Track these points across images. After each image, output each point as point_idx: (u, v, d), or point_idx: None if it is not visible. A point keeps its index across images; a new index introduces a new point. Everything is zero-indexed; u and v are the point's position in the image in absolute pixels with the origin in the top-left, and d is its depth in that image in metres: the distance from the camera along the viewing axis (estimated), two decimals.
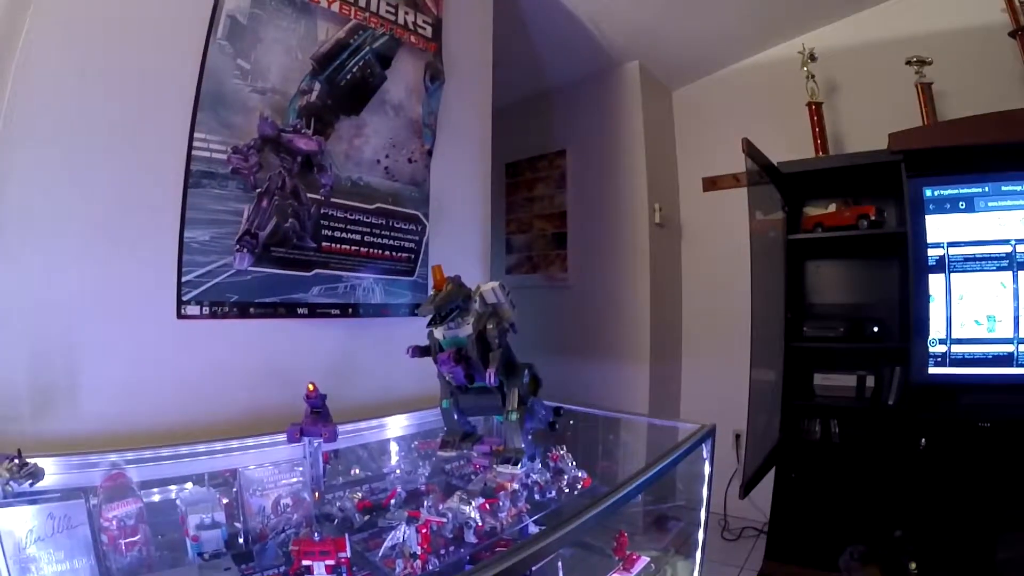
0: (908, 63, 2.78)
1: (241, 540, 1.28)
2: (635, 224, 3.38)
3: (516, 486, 1.37)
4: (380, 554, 1.18)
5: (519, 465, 1.29)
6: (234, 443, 1.37)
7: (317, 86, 1.64)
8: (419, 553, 1.17)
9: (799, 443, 2.88)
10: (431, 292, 1.23)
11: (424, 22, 1.98)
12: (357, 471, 1.63)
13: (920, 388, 2.58)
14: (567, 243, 3.70)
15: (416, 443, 1.76)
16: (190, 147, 1.42)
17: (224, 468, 1.36)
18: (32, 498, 1.04)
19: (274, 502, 1.36)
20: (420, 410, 1.76)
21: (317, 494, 1.44)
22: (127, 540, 1.15)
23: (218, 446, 1.36)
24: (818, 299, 3.11)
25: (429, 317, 1.22)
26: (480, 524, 1.27)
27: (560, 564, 1.49)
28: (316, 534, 1.24)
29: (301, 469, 1.43)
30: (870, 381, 2.84)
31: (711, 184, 3.57)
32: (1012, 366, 2.52)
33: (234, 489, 1.34)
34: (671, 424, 1.87)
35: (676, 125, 3.75)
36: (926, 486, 2.52)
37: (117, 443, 1.27)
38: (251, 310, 1.52)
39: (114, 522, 1.14)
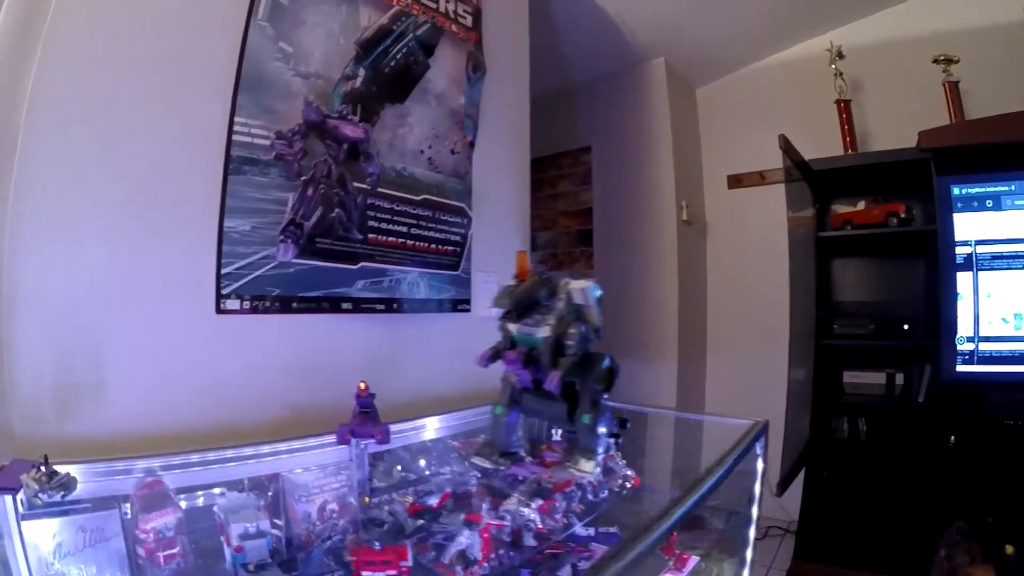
0: (935, 61, 2.59)
1: (283, 547, 1.11)
2: (662, 221, 3.18)
3: (572, 487, 1.22)
4: (447, 561, 1.04)
5: (592, 466, 1.10)
6: (281, 446, 1.19)
7: (361, 72, 1.45)
8: (479, 559, 1.05)
9: (827, 441, 2.68)
10: (511, 282, 1.01)
11: (464, 11, 1.78)
12: (399, 472, 1.44)
13: (949, 386, 2.42)
14: (592, 240, 3.49)
15: (457, 443, 1.57)
16: (230, 131, 1.23)
17: (266, 472, 1.17)
18: (60, 509, 0.87)
19: (319, 507, 1.18)
20: (459, 410, 1.59)
21: (367, 499, 1.25)
22: (165, 553, 0.97)
23: (262, 449, 1.17)
24: (845, 297, 2.90)
25: (503, 310, 1.00)
26: (539, 526, 1.14)
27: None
28: (377, 543, 1.05)
29: (347, 472, 1.25)
30: (899, 379, 2.66)
31: (736, 182, 3.37)
32: None
33: (269, 493, 1.17)
34: (717, 420, 1.74)
35: (699, 122, 3.54)
36: (955, 484, 2.34)
37: (149, 446, 1.09)
38: (293, 305, 1.33)
39: (152, 534, 0.96)
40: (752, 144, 3.27)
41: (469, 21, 1.80)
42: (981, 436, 2.33)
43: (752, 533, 1.63)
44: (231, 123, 1.23)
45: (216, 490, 1.13)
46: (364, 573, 0.96)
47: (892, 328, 2.63)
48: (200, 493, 1.10)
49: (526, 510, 1.17)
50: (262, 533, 1.10)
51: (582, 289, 1.02)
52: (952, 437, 2.35)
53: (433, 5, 1.67)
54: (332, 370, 1.41)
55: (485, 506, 1.16)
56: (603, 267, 3.43)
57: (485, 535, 1.08)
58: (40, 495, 0.83)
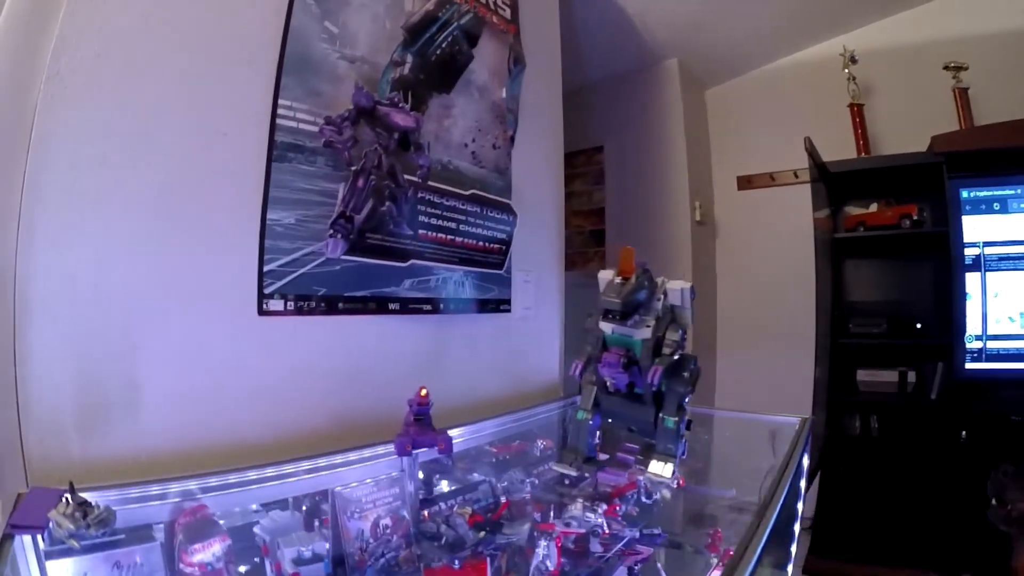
0: (946, 68, 2.56)
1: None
2: (676, 222, 3.09)
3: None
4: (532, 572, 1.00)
5: (671, 469, 0.99)
6: (323, 460, 1.06)
7: (409, 58, 1.32)
8: (552, 568, 1.01)
9: (841, 439, 2.63)
10: (614, 279, 0.89)
11: (504, 3, 1.66)
12: (445, 483, 1.32)
13: (961, 383, 2.41)
14: (605, 240, 3.38)
15: (495, 448, 1.46)
16: (274, 115, 1.09)
17: (315, 489, 1.05)
18: (90, 543, 0.73)
19: (373, 523, 1.07)
20: (502, 415, 1.48)
21: (427, 513, 1.16)
22: None
23: (308, 464, 1.04)
24: (858, 297, 2.86)
25: (605, 309, 0.88)
26: (606, 531, 1.12)
27: (660, 565, 1.27)
28: (456, 561, 0.99)
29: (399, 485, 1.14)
30: (911, 376, 2.64)
31: (746, 183, 3.29)
32: None
33: (312, 510, 1.05)
34: (757, 417, 1.68)
35: (709, 123, 3.46)
36: (966, 479, 2.30)
37: (185, 465, 0.95)
38: (339, 305, 1.20)
39: (198, 568, 0.82)
40: (762, 146, 3.22)
41: (508, 13, 1.67)
42: (991, 431, 2.32)
43: (797, 528, 1.58)
44: (275, 106, 1.09)
45: (252, 506, 1.00)
46: None
47: (904, 327, 2.59)
48: (236, 509, 0.97)
49: (592, 515, 1.14)
50: (318, 557, 0.99)
51: (680, 290, 0.93)
52: (963, 433, 2.34)
53: None
54: (379, 375, 1.28)
55: (554, 514, 1.13)
56: (638, 263, 3.33)
57: (558, 544, 1.04)
58: (75, 537, 0.68)
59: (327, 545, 0.99)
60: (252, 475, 0.96)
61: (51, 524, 0.68)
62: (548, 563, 1.01)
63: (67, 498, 0.69)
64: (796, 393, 2.46)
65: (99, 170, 0.89)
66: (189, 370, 1.01)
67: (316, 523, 1.01)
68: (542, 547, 1.00)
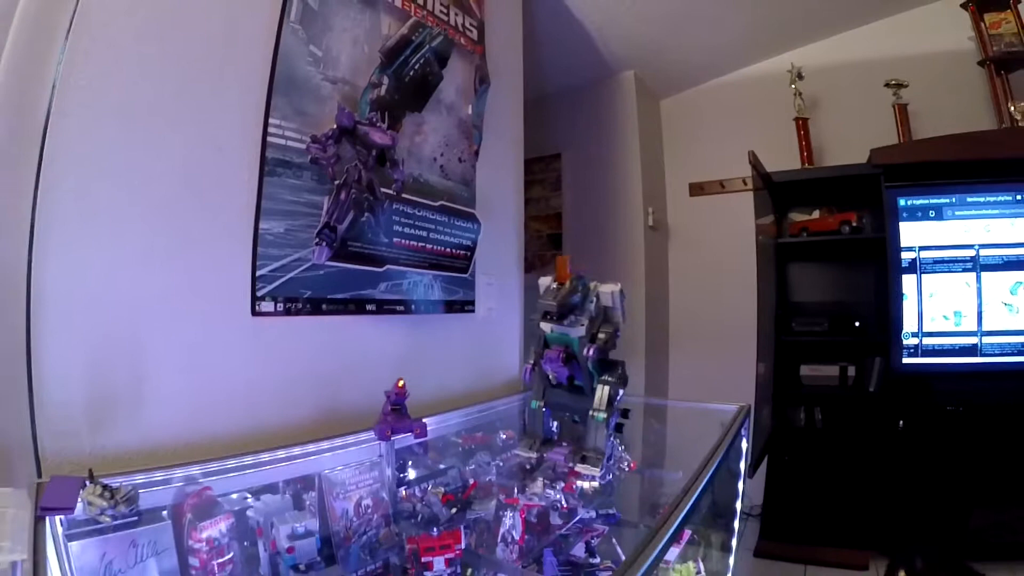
0: (887, 85, 2.78)
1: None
2: (630, 227, 3.27)
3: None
4: (498, 541, 1.13)
5: (599, 467, 1.12)
6: (312, 447, 1.17)
7: (386, 80, 1.44)
8: (518, 538, 1.14)
9: (787, 429, 2.82)
10: (551, 284, 1.03)
11: (471, 24, 1.79)
12: (417, 469, 1.43)
13: (899, 376, 2.62)
14: (562, 244, 3.54)
15: (460, 438, 1.58)
16: (265, 133, 1.20)
17: (303, 474, 1.15)
18: (108, 525, 0.81)
19: (355, 504, 1.19)
20: (468, 407, 1.62)
21: (404, 492, 1.28)
22: (219, 560, 0.94)
23: (297, 450, 1.15)
24: (802, 298, 3.08)
25: (544, 311, 1.02)
26: (564, 506, 1.24)
27: (615, 541, 1.42)
28: (435, 529, 1.10)
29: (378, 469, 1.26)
30: (851, 371, 2.86)
31: (698, 189, 3.50)
32: (976, 356, 2.59)
33: (301, 492, 1.14)
34: (703, 407, 1.84)
35: (662, 132, 3.66)
36: (904, 465, 2.55)
37: (187, 454, 1.04)
38: (323, 306, 1.31)
39: (206, 543, 0.92)
40: (713, 154, 3.42)
41: (475, 35, 1.80)
42: (926, 421, 2.54)
43: (739, 506, 1.75)
44: (266, 124, 1.20)
45: (246, 494, 1.09)
46: (426, 559, 1.00)
47: (845, 325, 2.81)
48: (234, 495, 1.06)
49: (551, 492, 1.25)
50: (310, 532, 1.10)
51: (611, 292, 1.07)
52: (901, 422, 2.56)
53: (445, 18, 1.67)
54: (357, 370, 1.39)
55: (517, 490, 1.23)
56: (572, 270, 3.46)
57: (523, 515, 1.16)
58: (107, 513, 0.77)
59: (316, 524, 1.10)
60: (248, 460, 1.06)
61: (84, 504, 0.76)
62: (514, 533, 1.14)
63: (93, 482, 0.78)
64: (743, 386, 2.62)
65: (105, 183, 0.97)
66: (190, 367, 1.08)
67: (307, 503, 1.11)
68: (508, 517, 1.13)
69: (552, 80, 3.34)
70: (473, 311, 1.82)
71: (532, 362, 1.11)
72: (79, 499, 0.76)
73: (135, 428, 1.00)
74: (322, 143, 1.23)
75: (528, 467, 1.39)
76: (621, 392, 1.11)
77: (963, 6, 2.67)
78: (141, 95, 1.02)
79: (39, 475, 0.86)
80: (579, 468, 1.11)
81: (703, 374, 3.41)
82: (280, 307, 1.22)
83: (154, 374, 1.03)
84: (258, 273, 1.18)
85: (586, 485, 1.30)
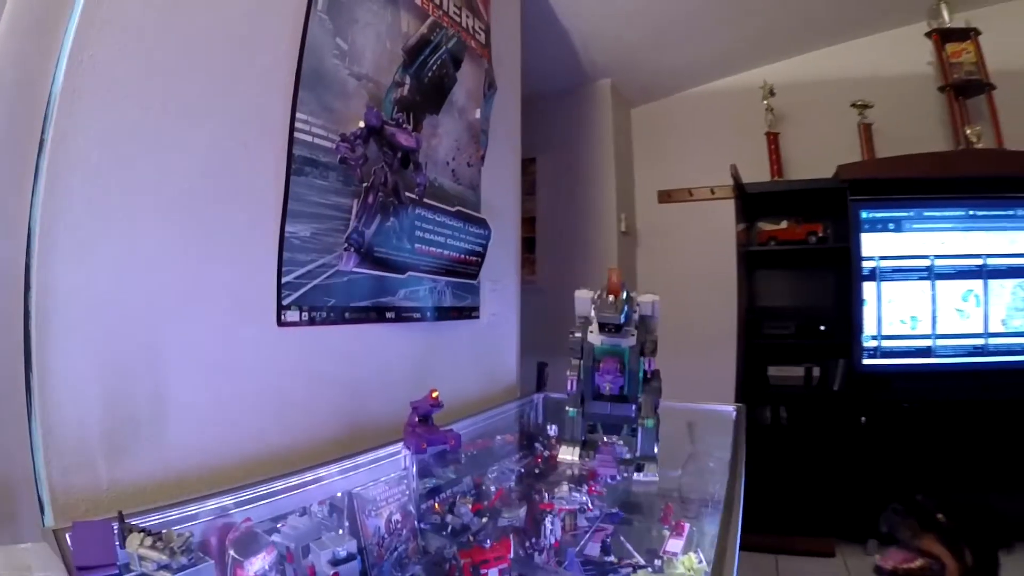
0: (853, 105, 2.92)
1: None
2: (603, 232, 3.30)
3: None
4: (542, 546, 1.10)
5: (656, 473, 1.14)
6: (337, 466, 1.10)
7: (408, 80, 1.38)
8: (555, 541, 1.12)
9: (755, 427, 2.92)
10: (605, 296, 1.01)
11: (480, 28, 1.75)
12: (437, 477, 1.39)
13: (861, 376, 2.78)
14: (535, 247, 3.53)
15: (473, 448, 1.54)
16: (292, 129, 1.12)
17: (333, 492, 1.08)
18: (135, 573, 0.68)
19: (386, 520, 1.13)
20: (476, 413, 1.59)
21: (437, 504, 1.22)
22: None
23: (329, 470, 1.08)
24: (769, 303, 3.18)
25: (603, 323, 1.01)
26: (591, 507, 1.24)
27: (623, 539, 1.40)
28: (488, 541, 1.06)
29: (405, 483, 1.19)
30: (816, 371, 2.98)
31: (666, 197, 3.55)
32: (930, 357, 2.78)
33: (331, 512, 1.06)
34: (702, 408, 1.93)
35: (633, 140, 3.69)
36: (865, 458, 2.70)
37: (216, 480, 0.95)
38: (346, 315, 1.24)
39: None
40: (682, 163, 3.49)
41: (483, 38, 1.77)
42: (886, 417, 2.70)
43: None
44: (292, 119, 1.12)
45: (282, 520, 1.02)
46: (484, 571, 0.98)
47: (810, 329, 2.95)
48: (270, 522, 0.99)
49: (578, 495, 1.24)
50: (352, 556, 1.02)
51: (651, 302, 1.10)
52: (863, 418, 2.71)
53: (458, 19, 1.62)
54: (380, 380, 1.34)
55: (552, 494, 1.21)
56: (545, 274, 3.49)
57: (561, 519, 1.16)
58: (167, 567, 0.65)
59: (355, 546, 1.03)
60: (279, 485, 0.97)
61: (131, 558, 0.64)
62: (553, 537, 1.12)
63: (133, 529, 0.66)
64: (711, 387, 2.73)
65: (120, 179, 0.84)
66: (215, 384, 0.99)
67: (346, 524, 1.05)
68: (549, 522, 1.11)
69: (531, 85, 3.31)
70: (477, 317, 1.79)
71: (577, 374, 1.11)
72: (120, 551, 0.64)
73: (157, 454, 0.89)
74: (351, 142, 1.16)
75: (536, 472, 1.40)
76: (659, 399, 1.13)
77: (927, 35, 2.85)
78: (160, 83, 0.89)
79: (48, 518, 0.74)
80: (638, 477, 1.14)
81: (670, 377, 3.46)
82: (305, 316, 1.15)
83: (179, 393, 0.92)
84: (284, 280, 1.10)
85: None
